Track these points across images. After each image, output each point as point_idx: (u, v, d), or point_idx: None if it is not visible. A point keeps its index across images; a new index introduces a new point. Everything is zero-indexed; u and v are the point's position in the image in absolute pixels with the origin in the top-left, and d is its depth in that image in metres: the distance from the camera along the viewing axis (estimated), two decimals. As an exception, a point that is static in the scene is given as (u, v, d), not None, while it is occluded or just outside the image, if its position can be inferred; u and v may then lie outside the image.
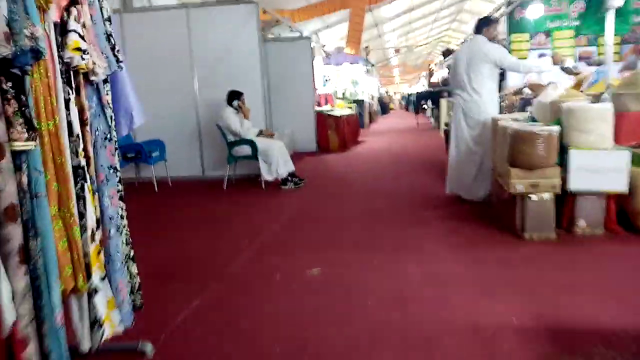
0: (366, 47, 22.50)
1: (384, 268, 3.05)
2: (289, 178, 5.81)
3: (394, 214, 4.42)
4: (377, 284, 2.79)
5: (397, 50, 20.77)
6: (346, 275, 2.96)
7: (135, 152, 5.96)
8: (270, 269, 3.12)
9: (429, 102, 16.45)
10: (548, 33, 7.16)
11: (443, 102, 11.74)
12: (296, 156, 8.83)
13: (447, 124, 6.79)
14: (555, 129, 3.33)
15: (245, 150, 5.84)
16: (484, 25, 4.49)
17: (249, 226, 4.28)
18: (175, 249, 3.72)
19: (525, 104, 4.69)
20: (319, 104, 12.73)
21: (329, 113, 9.66)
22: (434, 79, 22.22)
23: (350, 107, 14.07)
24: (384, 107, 31.25)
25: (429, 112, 17.52)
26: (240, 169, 6.46)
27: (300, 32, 9.62)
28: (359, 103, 16.37)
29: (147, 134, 6.59)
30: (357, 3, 16.02)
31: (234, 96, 6.01)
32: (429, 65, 28.83)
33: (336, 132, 9.62)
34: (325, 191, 5.72)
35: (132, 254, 2.00)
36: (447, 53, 18.24)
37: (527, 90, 5.35)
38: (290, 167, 5.88)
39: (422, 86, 33.64)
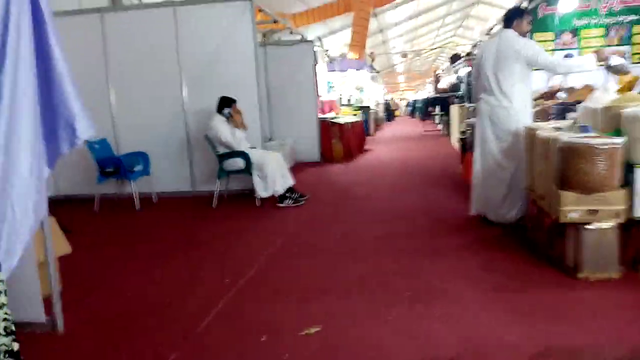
0: (371, 53, 21.90)
1: (402, 327, 2.33)
2: (288, 194, 5.12)
3: (410, 241, 3.70)
4: (395, 354, 2.08)
5: (404, 55, 20.09)
6: (352, 336, 2.25)
7: (114, 167, 5.29)
8: (254, 325, 2.41)
9: (437, 109, 15.75)
10: (575, 32, 6.46)
11: (454, 109, 11.03)
12: (298, 167, 8.16)
13: (464, 132, 6.10)
14: (619, 141, 2.61)
15: (238, 163, 5.14)
16: (515, 17, 3.79)
17: (233, 257, 3.58)
18: (135, 290, 3.01)
19: (564, 110, 3.97)
20: (323, 111, 12.07)
21: (333, 120, 8.99)
22: (441, 85, 21.57)
23: (355, 114, 13.42)
24: (390, 113, 30.63)
25: (437, 119, 16.82)
26: (234, 183, 5.76)
27: (302, 35, 8.97)
28: (365, 110, 15.71)
29: (130, 146, 5.93)
30: (361, 5, 15.41)
31: (225, 103, 5.33)
32: (435, 71, 28.23)
33: (341, 141, 8.93)
34: (327, 210, 5.01)
35: (15, 347, 1.30)
36: (455, 58, 17.58)
37: (562, 94, 4.64)
38: (289, 182, 5.18)
39: (427, 93, 33.05)
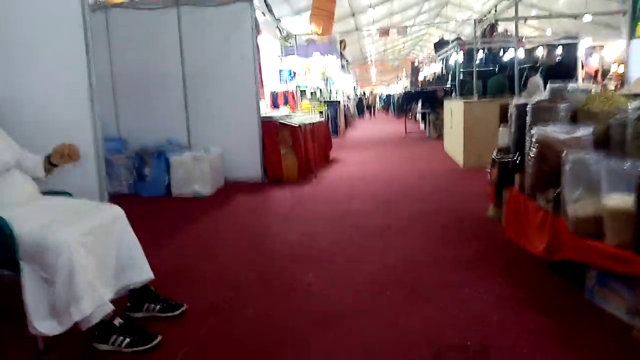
0: (341, 40, 19.08)
1: None
2: (121, 321, 2.16)
3: None
4: None
5: (384, 34, 17.30)
6: None
7: None
8: None
9: (419, 105, 13.01)
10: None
11: (447, 105, 8.33)
12: (223, 192, 5.25)
13: (505, 152, 3.32)
14: None
15: None
16: None
17: None
18: None
19: None
20: (275, 106, 9.15)
21: (283, 122, 6.10)
22: (421, 77, 18.93)
23: (320, 111, 10.57)
24: (361, 109, 27.95)
25: (419, 117, 14.15)
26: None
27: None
28: (334, 105, 12.90)
29: None
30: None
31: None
32: (413, 62, 25.66)
33: (294, 152, 6.07)
34: (241, 330, 2.16)
35: None
36: (440, 45, 14.95)
37: None
38: (137, 276, 2.22)
39: (402, 87, 30.52)
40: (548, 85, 3.35)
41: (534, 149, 2.68)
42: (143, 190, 5.29)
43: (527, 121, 2.95)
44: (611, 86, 11.58)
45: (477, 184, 5.33)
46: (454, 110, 7.26)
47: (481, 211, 3.96)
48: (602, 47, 13.90)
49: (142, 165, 5.26)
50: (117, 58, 6.03)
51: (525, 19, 11.45)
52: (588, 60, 14.04)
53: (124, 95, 6.08)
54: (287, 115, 6.71)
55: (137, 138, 5.94)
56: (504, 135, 3.41)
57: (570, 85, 3.24)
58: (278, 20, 7.85)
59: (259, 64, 6.16)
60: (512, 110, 3.24)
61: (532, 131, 2.71)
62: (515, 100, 3.21)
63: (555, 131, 2.61)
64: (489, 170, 3.66)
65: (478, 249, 3.14)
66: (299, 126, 6.17)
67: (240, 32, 5.79)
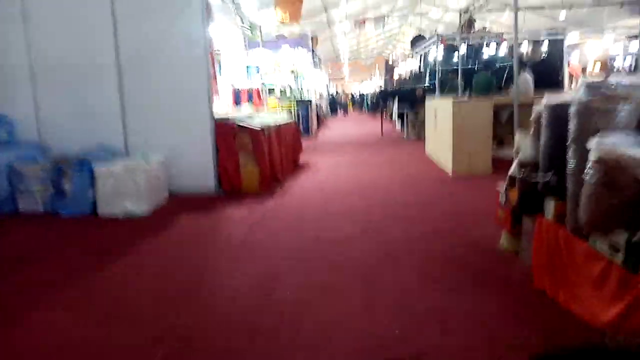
0: (313, 37, 18.18)
1: None
2: None
3: None
4: None
5: (362, 22, 16.40)
6: None
7: None
8: None
9: (395, 104, 12.16)
10: None
11: (430, 104, 7.51)
12: (166, 211, 4.18)
13: (526, 167, 2.44)
14: None
15: None
16: None
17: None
18: None
19: None
20: (237, 102, 8.13)
21: (241, 123, 5.10)
22: (397, 75, 18.18)
23: (289, 109, 9.60)
24: (335, 107, 27.08)
25: (395, 116, 13.34)
26: None
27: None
28: (305, 104, 11.93)
29: None
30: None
31: None
32: (387, 60, 24.93)
33: (256, 159, 5.08)
34: None
35: None
36: (417, 40, 14.17)
37: None
38: None
39: (376, 84, 29.78)
40: (581, 80, 2.50)
41: (593, 171, 1.80)
42: (62, 209, 4.21)
43: (572, 128, 2.07)
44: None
45: (473, 199, 4.48)
46: (439, 110, 6.41)
47: (488, 239, 3.10)
48: (582, 44, 13.43)
49: (60, 178, 4.18)
50: (36, 43, 4.92)
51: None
52: (568, 58, 13.57)
53: (46, 90, 4.98)
54: (248, 116, 5.70)
55: (62, 143, 4.86)
56: (528, 145, 2.53)
57: (616, 80, 2.40)
58: (237, 5, 6.82)
59: (212, 55, 5.14)
60: (542, 112, 2.36)
61: (590, 144, 1.83)
62: (549, 99, 2.33)
63: (628, 145, 1.74)
64: (504, 189, 2.78)
65: (498, 303, 2.25)
66: (262, 128, 5.19)
67: (188, 14, 4.77)
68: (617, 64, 13.58)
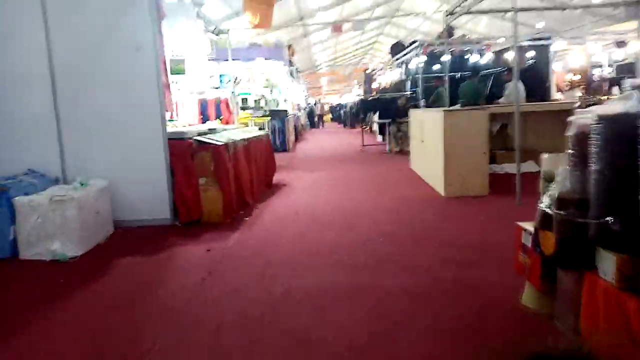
0: (289, 45, 17.55)
1: None
2: None
3: None
4: None
5: (337, 28, 15.79)
6: None
7: None
8: None
9: (376, 115, 11.54)
10: None
11: (416, 116, 6.90)
12: (105, 251, 3.26)
13: (568, 203, 1.79)
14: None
15: None
16: None
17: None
18: None
19: None
20: (206, 117, 7.36)
21: (200, 139, 4.34)
22: (376, 85, 17.64)
23: (261, 122, 8.88)
24: (313, 120, 26.44)
25: (376, 127, 12.73)
26: None
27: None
28: (280, 115, 11.22)
29: None
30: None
31: None
32: (365, 70, 24.46)
33: (218, 180, 4.32)
34: None
35: None
36: (397, 47, 13.64)
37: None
38: None
39: (355, 95, 29.25)
40: (629, 81, 1.89)
41: None
42: (-27, 251, 3.37)
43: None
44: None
45: (473, 228, 3.82)
46: (426, 122, 5.78)
47: (506, 291, 2.42)
48: (565, 53, 13.13)
49: (-31, 213, 3.35)
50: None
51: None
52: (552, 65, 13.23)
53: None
54: (210, 130, 4.96)
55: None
56: (567, 174, 1.86)
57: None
58: (198, 4, 6.10)
59: (164, 61, 4.40)
60: (592, 128, 1.69)
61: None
62: (603, 109, 1.67)
63: None
64: (533, 229, 2.10)
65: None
66: (226, 145, 4.45)
67: (133, 14, 4.03)
68: (596, 72, 13.25)
